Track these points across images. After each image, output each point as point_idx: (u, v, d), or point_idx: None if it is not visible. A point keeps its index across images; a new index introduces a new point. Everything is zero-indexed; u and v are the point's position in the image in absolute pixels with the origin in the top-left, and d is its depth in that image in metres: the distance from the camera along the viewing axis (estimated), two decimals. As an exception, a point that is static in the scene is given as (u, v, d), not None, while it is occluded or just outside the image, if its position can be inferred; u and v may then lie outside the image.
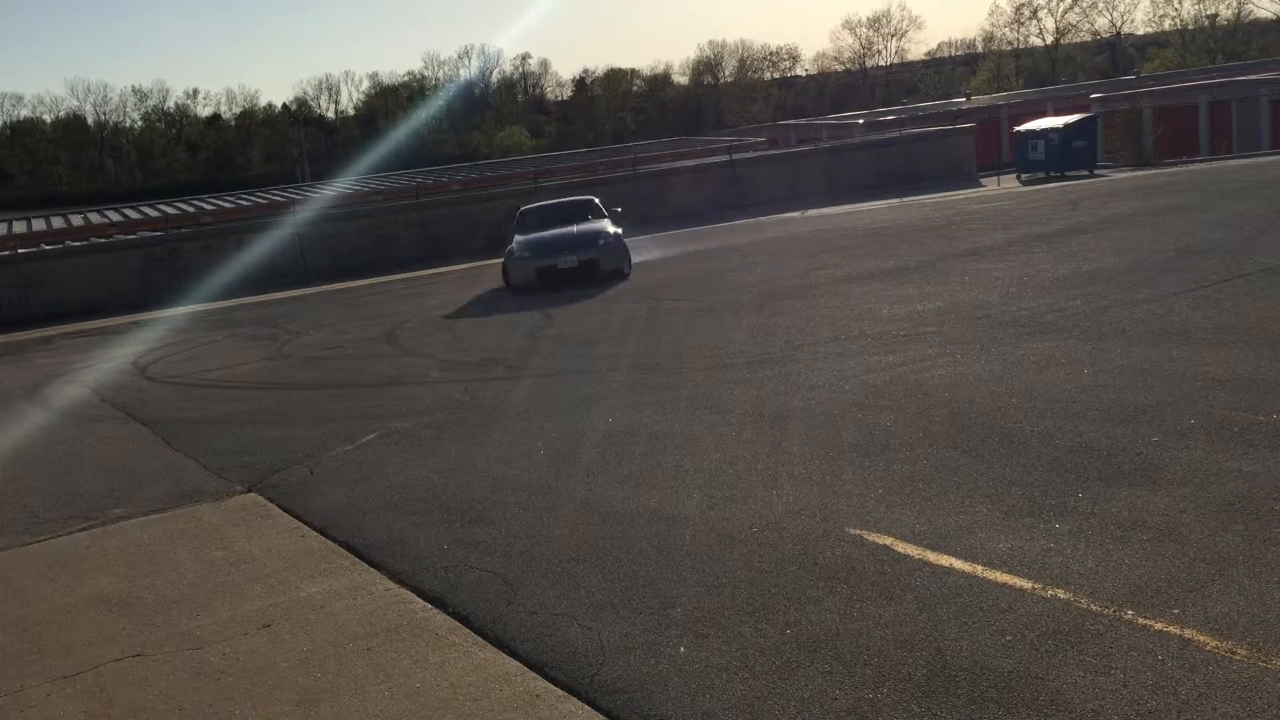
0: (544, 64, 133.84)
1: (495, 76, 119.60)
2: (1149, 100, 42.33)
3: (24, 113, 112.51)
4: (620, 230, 19.69)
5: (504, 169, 56.92)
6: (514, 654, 5.08)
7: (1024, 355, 9.42)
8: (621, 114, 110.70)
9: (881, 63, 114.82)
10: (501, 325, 15.77)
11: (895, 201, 28.43)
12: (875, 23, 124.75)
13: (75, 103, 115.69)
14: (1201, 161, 34.13)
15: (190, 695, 5.08)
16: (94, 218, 49.57)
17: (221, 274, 27.89)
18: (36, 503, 8.81)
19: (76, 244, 33.39)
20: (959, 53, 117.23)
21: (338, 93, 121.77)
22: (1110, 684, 4.13)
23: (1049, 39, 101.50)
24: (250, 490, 8.47)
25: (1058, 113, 43.70)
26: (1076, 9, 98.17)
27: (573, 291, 18.05)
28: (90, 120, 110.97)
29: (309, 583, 6.35)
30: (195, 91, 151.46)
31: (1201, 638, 4.37)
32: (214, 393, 12.87)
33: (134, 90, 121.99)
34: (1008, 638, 4.58)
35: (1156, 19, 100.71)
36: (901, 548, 5.64)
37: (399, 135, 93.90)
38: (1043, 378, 8.60)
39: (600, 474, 7.64)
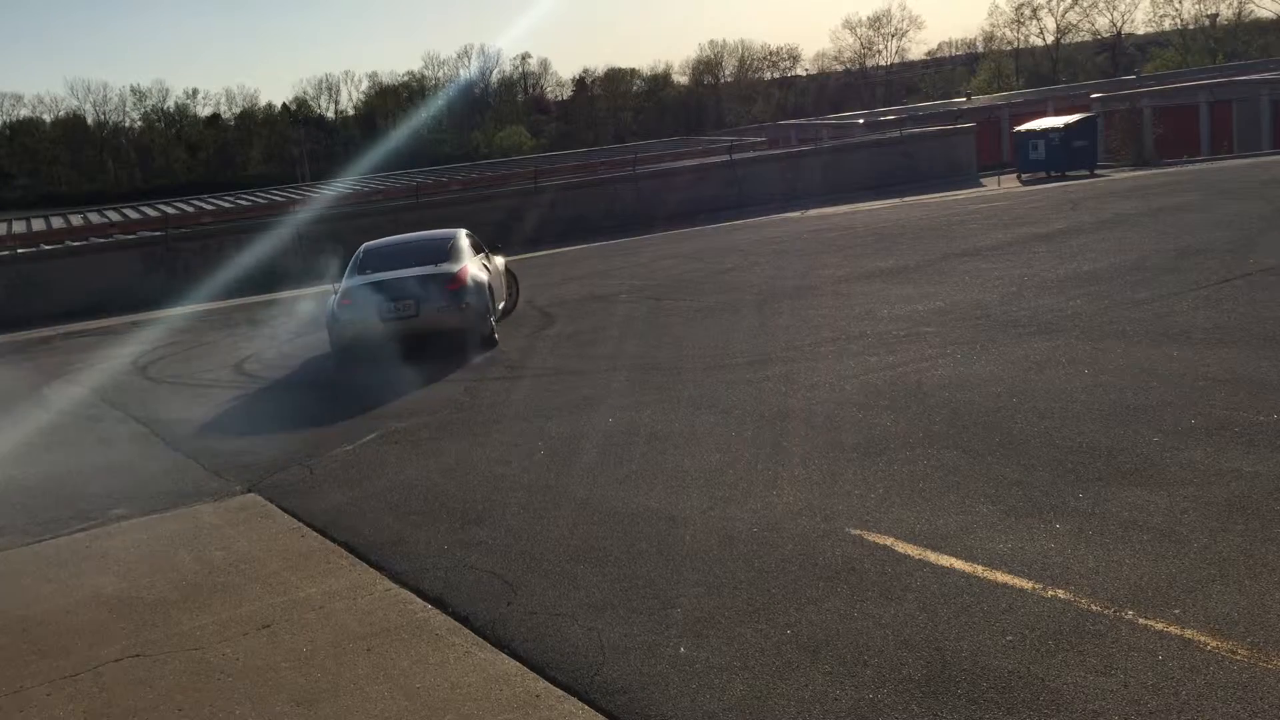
0: (544, 64, 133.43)
1: (495, 76, 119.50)
2: (1149, 100, 42.31)
3: (24, 113, 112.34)
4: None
5: (504, 169, 56.87)
6: (514, 654, 5.09)
7: (1024, 355, 9.41)
8: (621, 114, 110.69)
9: (882, 63, 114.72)
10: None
11: (895, 201, 28.41)
12: (875, 22, 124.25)
13: (75, 103, 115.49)
14: (1202, 161, 34.10)
15: (190, 695, 5.08)
16: (94, 218, 49.53)
17: (222, 274, 27.84)
18: (36, 503, 8.81)
19: (76, 244, 33.36)
20: (959, 53, 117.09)
21: (338, 93, 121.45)
22: (1111, 684, 4.13)
23: (1049, 39, 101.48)
24: (250, 490, 8.47)
25: (1058, 113, 43.59)
26: (1077, 9, 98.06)
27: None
28: (90, 120, 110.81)
29: (309, 583, 6.35)
30: (195, 91, 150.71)
31: (1202, 638, 4.37)
32: (214, 393, 12.86)
33: (134, 90, 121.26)
34: (1008, 638, 4.58)
35: (1157, 19, 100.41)
36: (902, 548, 5.64)
37: (399, 135, 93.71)
38: (1043, 378, 8.60)
39: (600, 474, 7.64)
